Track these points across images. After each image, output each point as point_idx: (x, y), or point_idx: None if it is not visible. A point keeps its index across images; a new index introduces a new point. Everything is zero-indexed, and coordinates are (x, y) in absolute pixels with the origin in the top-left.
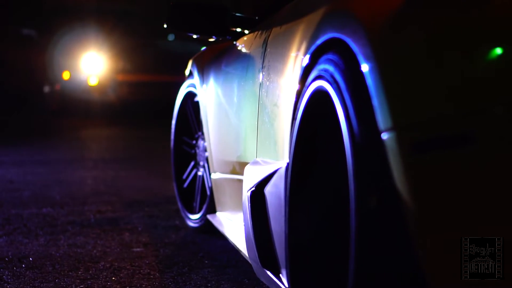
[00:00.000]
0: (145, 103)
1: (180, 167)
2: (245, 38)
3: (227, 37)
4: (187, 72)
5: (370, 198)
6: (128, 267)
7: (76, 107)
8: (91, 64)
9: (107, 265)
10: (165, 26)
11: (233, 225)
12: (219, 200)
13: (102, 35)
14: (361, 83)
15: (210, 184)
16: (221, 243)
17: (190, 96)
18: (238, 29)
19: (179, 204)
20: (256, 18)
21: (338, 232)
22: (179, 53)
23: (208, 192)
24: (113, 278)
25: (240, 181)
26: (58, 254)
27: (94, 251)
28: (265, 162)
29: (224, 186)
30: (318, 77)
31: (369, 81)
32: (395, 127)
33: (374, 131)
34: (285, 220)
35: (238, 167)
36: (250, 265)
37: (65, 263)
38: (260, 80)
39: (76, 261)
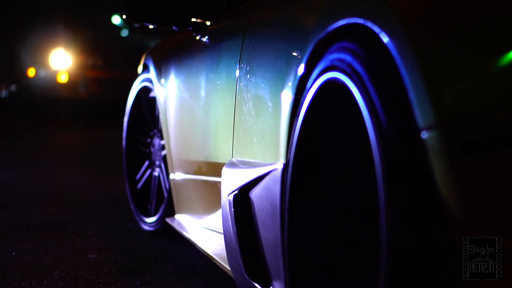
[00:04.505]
0: (115, 100)
1: (133, 167)
2: (213, 28)
3: (189, 28)
4: (140, 67)
5: (403, 203)
6: (85, 276)
7: (41, 105)
8: (60, 61)
9: (63, 274)
10: (123, 16)
11: (201, 230)
12: (180, 202)
13: (69, 30)
14: (389, 74)
15: (168, 185)
16: (181, 248)
17: (145, 91)
18: (200, 20)
19: (132, 206)
20: (222, 8)
21: (345, 239)
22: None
23: (166, 194)
24: None
25: (207, 182)
26: (6, 262)
27: (46, 258)
28: (247, 163)
29: (188, 188)
30: (329, 68)
31: (404, 71)
32: (439, 124)
33: (409, 128)
34: (283, 227)
35: (207, 168)
36: (218, 271)
37: (15, 272)
38: (237, 74)
39: (28, 269)
